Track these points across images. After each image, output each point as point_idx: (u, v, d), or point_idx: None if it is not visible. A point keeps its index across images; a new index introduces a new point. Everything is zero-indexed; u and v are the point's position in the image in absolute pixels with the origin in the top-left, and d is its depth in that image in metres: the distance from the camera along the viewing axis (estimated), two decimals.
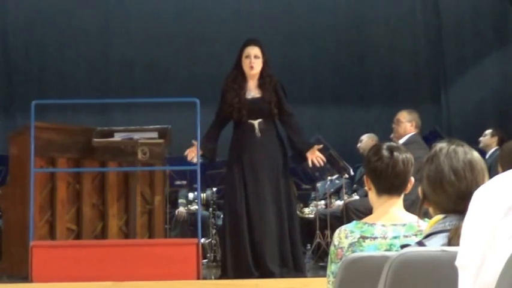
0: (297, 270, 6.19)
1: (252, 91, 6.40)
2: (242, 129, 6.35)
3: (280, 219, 6.23)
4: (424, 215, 2.47)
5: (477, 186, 1.67)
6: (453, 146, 2.20)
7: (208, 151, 6.44)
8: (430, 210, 2.23)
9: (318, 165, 6.36)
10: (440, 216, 2.13)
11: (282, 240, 6.21)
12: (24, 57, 11.13)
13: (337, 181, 8.99)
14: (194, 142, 6.38)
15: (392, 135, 7.31)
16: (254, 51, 6.36)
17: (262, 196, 6.22)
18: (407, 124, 7.24)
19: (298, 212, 8.96)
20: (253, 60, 6.33)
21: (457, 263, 1.51)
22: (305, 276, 6.27)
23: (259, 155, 6.27)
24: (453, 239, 2.01)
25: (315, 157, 6.29)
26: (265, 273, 6.06)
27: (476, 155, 2.21)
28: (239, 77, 6.39)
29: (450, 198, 2.14)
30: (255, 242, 6.16)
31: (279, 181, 6.29)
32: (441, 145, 2.22)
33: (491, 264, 1.42)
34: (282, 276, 6.04)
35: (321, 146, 6.38)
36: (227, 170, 6.45)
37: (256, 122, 6.33)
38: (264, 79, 6.37)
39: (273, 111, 6.32)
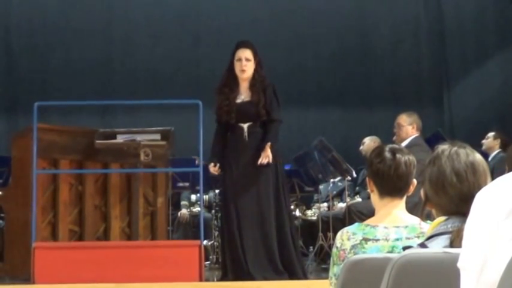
0: (291, 275, 6.16)
1: (243, 94, 6.37)
2: (232, 133, 6.34)
3: (266, 223, 6.20)
4: (427, 217, 2.47)
5: (479, 188, 1.67)
6: (455, 148, 2.20)
7: (217, 159, 6.43)
8: (433, 212, 2.23)
9: (260, 162, 6.23)
10: (442, 218, 2.13)
11: (268, 245, 6.18)
12: (27, 58, 11.14)
13: (339, 183, 8.98)
14: (211, 165, 6.35)
15: (394, 139, 7.29)
16: (245, 54, 6.33)
17: (249, 200, 6.21)
18: (408, 127, 7.23)
19: (300, 214, 8.97)
20: (245, 63, 6.29)
21: (459, 264, 1.51)
22: (307, 278, 6.26)
23: (246, 158, 6.26)
24: (455, 240, 2.00)
25: (264, 156, 6.21)
26: (252, 277, 6.04)
27: (478, 156, 2.21)
28: (231, 80, 6.36)
29: (452, 200, 2.13)
30: (244, 246, 6.16)
31: (267, 185, 6.27)
32: (443, 147, 2.21)
33: (493, 266, 1.42)
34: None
35: (269, 143, 6.29)
36: (222, 173, 6.43)
37: (245, 125, 6.32)
38: (255, 80, 6.35)
39: (261, 112, 6.28)
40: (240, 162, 6.27)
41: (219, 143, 6.40)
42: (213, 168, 6.34)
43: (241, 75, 6.33)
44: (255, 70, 6.33)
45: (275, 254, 6.16)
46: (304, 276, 6.28)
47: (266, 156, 6.19)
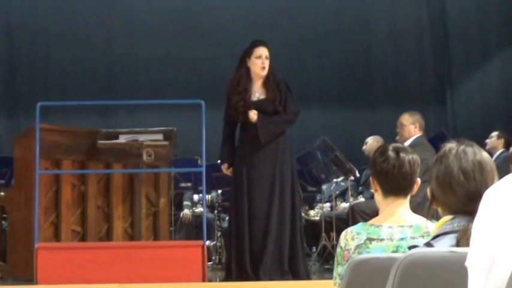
0: (294, 275, 6.14)
1: (257, 92, 6.36)
2: (248, 131, 6.30)
3: (282, 224, 6.19)
4: (431, 217, 2.46)
5: (486, 187, 1.66)
6: (462, 147, 2.18)
7: (231, 160, 6.41)
8: (439, 210, 2.21)
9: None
10: (448, 217, 2.12)
11: (280, 246, 6.16)
12: (29, 59, 11.14)
13: (342, 183, 8.97)
14: (224, 168, 6.38)
15: (397, 138, 7.27)
16: (265, 52, 6.34)
17: (267, 200, 6.19)
18: (410, 127, 7.21)
19: (303, 215, 8.96)
20: (265, 61, 6.31)
21: (467, 263, 1.49)
22: (310, 279, 6.25)
23: (264, 156, 6.23)
24: (462, 240, 1.99)
25: (252, 112, 6.24)
26: (258, 278, 6.03)
27: (485, 155, 2.19)
28: (244, 78, 6.33)
29: (459, 199, 2.11)
30: (253, 246, 6.14)
31: (283, 184, 6.24)
32: (450, 145, 2.20)
33: (502, 265, 1.41)
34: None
35: (264, 117, 6.28)
36: (233, 172, 6.39)
37: None
38: (268, 78, 6.34)
39: (277, 109, 6.29)
40: (257, 161, 6.24)
41: (229, 143, 6.39)
42: (227, 170, 6.34)
43: (261, 72, 6.31)
44: (269, 68, 6.35)
45: (285, 255, 6.15)
46: (308, 277, 6.26)
47: (253, 113, 6.21)
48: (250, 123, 6.26)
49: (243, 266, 6.12)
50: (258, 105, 6.28)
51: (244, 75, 6.34)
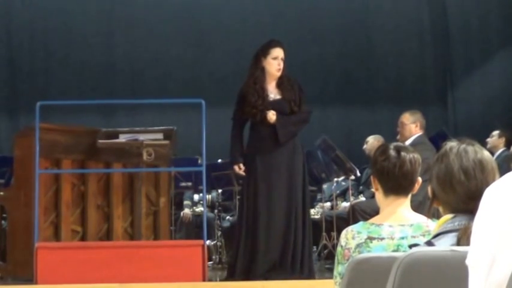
0: (301, 274, 6.14)
1: (273, 92, 6.37)
2: (263, 130, 6.28)
3: (297, 223, 6.18)
4: (432, 215, 2.45)
5: (487, 185, 1.65)
6: (463, 145, 2.17)
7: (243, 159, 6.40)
8: (440, 209, 2.20)
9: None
10: (449, 216, 2.11)
11: (294, 245, 6.15)
12: (29, 59, 11.13)
13: (343, 183, 8.97)
14: (236, 167, 6.34)
15: (398, 138, 7.26)
16: (281, 53, 6.35)
17: (284, 201, 6.17)
18: (411, 126, 7.21)
19: None
20: (281, 63, 6.31)
21: (468, 262, 1.48)
22: (314, 278, 6.24)
23: (279, 155, 6.22)
24: (462, 238, 1.98)
25: (271, 113, 6.23)
26: (265, 278, 6.02)
27: (487, 154, 2.18)
28: (260, 78, 6.33)
29: (460, 197, 2.10)
30: (270, 247, 6.12)
31: (298, 185, 6.24)
32: (451, 144, 2.18)
33: (503, 263, 1.40)
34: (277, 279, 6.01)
35: (282, 117, 6.28)
36: (246, 171, 6.34)
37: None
38: (282, 79, 6.34)
39: (293, 109, 6.30)
40: (273, 161, 6.22)
41: (239, 142, 6.38)
42: (240, 170, 6.31)
43: (277, 73, 6.33)
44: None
45: (297, 255, 6.15)
46: (311, 276, 6.25)
47: (272, 114, 6.19)
48: (263, 123, 6.25)
49: (253, 266, 6.09)
50: (275, 105, 6.29)
51: (260, 75, 6.33)
